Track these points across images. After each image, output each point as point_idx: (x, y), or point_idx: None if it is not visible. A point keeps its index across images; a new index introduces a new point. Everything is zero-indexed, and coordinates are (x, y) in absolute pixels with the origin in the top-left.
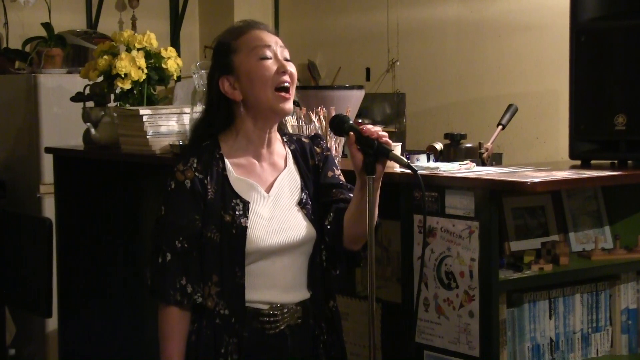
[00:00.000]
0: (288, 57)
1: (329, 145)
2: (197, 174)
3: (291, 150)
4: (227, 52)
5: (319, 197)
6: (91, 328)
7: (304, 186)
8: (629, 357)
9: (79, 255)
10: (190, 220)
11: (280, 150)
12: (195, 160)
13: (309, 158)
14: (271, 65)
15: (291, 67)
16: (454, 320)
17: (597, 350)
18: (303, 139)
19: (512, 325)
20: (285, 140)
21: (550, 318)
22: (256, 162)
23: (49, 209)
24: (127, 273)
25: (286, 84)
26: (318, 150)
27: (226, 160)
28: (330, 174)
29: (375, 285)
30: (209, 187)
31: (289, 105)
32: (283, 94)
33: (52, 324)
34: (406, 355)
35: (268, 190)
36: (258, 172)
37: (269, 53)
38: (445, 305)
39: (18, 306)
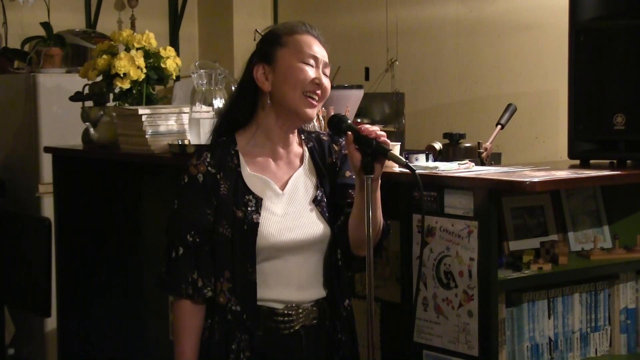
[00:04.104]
0: (328, 73)
1: None
2: (209, 168)
3: (308, 148)
4: (274, 43)
5: (335, 197)
6: (90, 328)
7: (320, 184)
8: (628, 356)
9: (78, 255)
10: (201, 215)
11: (297, 149)
12: (209, 155)
13: (326, 156)
14: (310, 72)
15: (327, 83)
16: (453, 320)
17: (596, 349)
18: (322, 136)
19: (511, 325)
20: (303, 138)
21: (549, 318)
22: (272, 160)
23: (48, 208)
24: (126, 273)
25: (315, 96)
26: (336, 148)
27: (241, 157)
28: (348, 173)
29: (374, 285)
30: (221, 182)
31: (313, 112)
32: (310, 99)
33: (52, 323)
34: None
35: (282, 187)
36: (273, 170)
37: (312, 62)
38: (444, 304)
39: (17, 306)
